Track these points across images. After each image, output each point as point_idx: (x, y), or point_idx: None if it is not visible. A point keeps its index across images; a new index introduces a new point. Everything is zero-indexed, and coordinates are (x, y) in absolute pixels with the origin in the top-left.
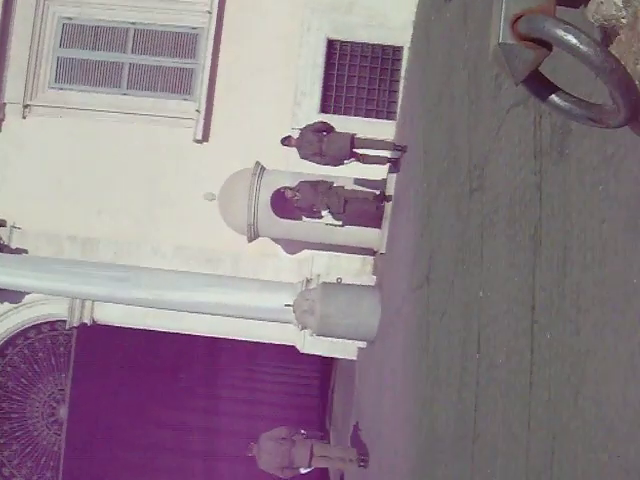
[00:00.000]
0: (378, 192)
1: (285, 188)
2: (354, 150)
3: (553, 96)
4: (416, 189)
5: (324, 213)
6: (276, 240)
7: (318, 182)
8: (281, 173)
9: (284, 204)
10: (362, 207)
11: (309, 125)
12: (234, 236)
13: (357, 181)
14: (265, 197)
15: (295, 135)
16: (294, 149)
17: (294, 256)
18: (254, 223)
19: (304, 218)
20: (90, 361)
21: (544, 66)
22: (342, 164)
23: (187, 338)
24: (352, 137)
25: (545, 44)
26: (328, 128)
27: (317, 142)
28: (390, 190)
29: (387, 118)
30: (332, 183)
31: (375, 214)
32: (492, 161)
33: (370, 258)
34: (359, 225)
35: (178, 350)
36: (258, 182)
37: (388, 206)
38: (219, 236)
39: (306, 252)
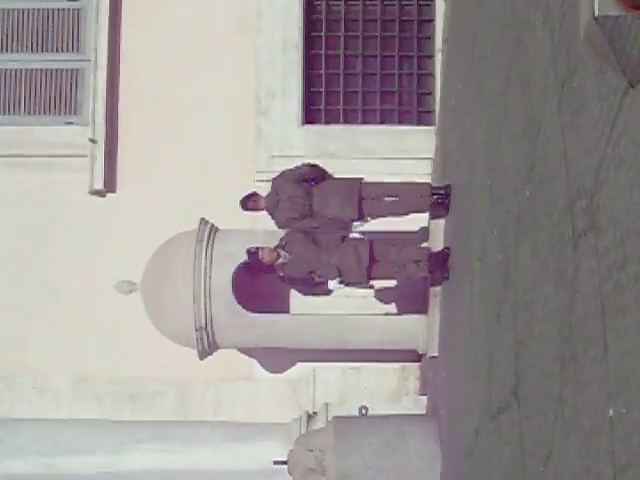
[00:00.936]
0: (438, 249)
1: (259, 248)
2: (363, 202)
3: None
4: (481, 241)
5: (332, 285)
6: (249, 351)
7: (322, 231)
8: (246, 234)
9: (256, 286)
10: (404, 276)
11: (287, 172)
12: (175, 351)
13: (395, 235)
14: (222, 278)
15: (263, 190)
16: (264, 213)
17: (282, 375)
18: (207, 326)
19: (292, 303)
20: None
21: None
22: (348, 229)
23: None
24: (359, 184)
25: None
26: (318, 174)
27: (302, 198)
28: (437, 245)
29: (419, 122)
30: (348, 232)
31: (425, 289)
32: (607, 181)
33: (414, 367)
34: (398, 308)
35: None
36: (208, 253)
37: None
38: (150, 354)
39: (302, 367)
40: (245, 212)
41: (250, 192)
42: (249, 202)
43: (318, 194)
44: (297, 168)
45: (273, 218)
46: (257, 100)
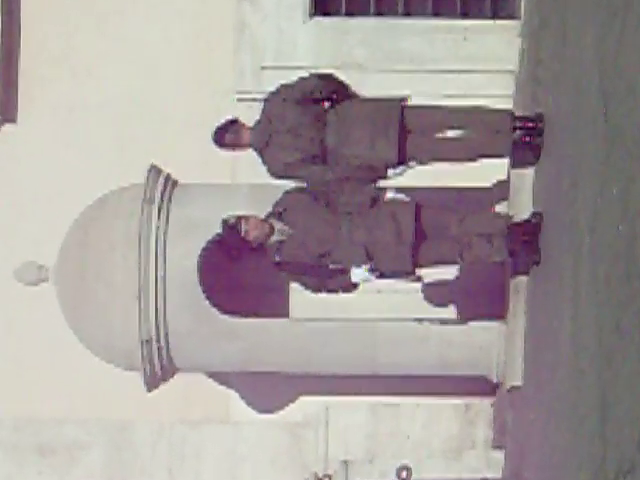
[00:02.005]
0: (523, 218)
1: (242, 218)
2: (407, 138)
3: None
4: (591, 205)
5: (358, 275)
6: (225, 378)
7: (340, 186)
8: (221, 191)
9: (237, 274)
10: (470, 261)
11: (286, 87)
12: (109, 377)
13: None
14: (184, 260)
15: (249, 116)
16: (250, 152)
17: (277, 417)
18: (159, 338)
19: (293, 302)
20: None
21: None
22: (382, 177)
23: None
24: (401, 108)
25: None
26: (335, 90)
27: (310, 129)
28: (521, 210)
29: (494, 15)
30: (382, 190)
31: (503, 281)
32: None
33: (484, 404)
34: (460, 311)
35: None
36: (161, 221)
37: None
38: (68, 381)
39: (309, 403)
40: (221, 151)
41: (228, 119)
42: (227, 135)
43: (335, 122)
44: (301, 80)
45: (264, 162)
46: None
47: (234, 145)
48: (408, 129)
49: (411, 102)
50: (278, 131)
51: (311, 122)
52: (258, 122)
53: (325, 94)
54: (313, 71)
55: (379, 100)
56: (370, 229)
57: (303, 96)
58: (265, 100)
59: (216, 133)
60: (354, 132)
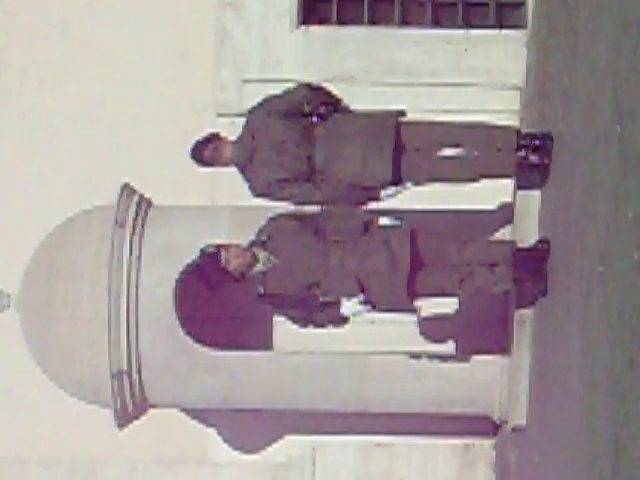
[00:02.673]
0: (529, 244)
1: (222, 247)
2: (403, 156)
3: None
4: (604, 231)
5: (349, 308)
6: (203, 415)
7: (329, 210)
8: (200, 214)
9: (216, 304)
10: (472, 291)
11: (271, 100)
12: (75, 412)
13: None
14: (158, 289)
15: (230, 132)
16: (232, 170)
17: (260, 457)
18: (131, 371)
19: (277, 334)
20: None
21: None
22: (375, 199)
23: None
24: (396, 124)
25: None
26: (325, 102)
27: (298, 145)
28: (527, 237)
29: (499, 24)
30: (374, 215)
31: (507, 313)
32: None
33: (485, 445)
34: (460, 345)
35: None
36: (134, 246)
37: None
38: (30, 415)
39: (295, 443)
40: (199, 168)
41: (208, 133)
42: (206, 150)
43: (324, 138)
44: (288, 92)
45: (246, 180)
46: None
47: (214, 162)
48: (404, 146)
49: (407, 117)
50: (262, 147)
51: (298, 137)
52: (240, 137)
53: (314, 107)
54: (301, 82)
55: (373, 115)
56: (362, 257)
57: (290, 109)
58: (248, 113)
59: (194, 149)
60: (345, 149)
